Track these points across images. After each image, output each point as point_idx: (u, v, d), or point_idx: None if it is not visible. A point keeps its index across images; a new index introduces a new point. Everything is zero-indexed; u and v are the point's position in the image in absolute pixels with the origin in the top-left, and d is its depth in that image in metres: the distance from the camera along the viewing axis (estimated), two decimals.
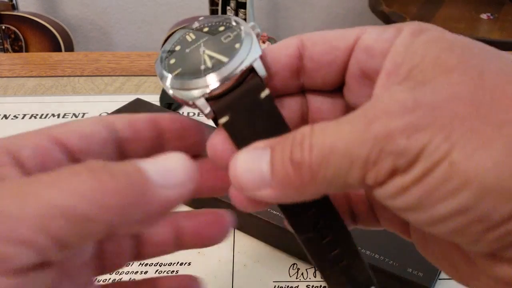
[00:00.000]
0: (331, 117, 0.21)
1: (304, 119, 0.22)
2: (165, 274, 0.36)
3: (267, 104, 0.20)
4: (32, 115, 0.56)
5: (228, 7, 0.65)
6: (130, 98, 0.53)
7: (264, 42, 0.63)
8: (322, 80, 0.21)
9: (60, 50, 1.29)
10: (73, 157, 0.19)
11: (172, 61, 0.21)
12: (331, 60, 0.20)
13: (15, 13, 1.29)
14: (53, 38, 1.29)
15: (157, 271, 0.36)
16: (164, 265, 0.37)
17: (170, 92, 0.21)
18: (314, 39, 0.20)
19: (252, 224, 0.37)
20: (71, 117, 0.56)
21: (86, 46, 1.65)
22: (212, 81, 0.20)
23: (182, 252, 0.38)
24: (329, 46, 0.20)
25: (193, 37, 0.22)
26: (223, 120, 0.20)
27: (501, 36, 1.16)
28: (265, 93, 0.20)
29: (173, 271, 0.36)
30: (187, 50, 0.21)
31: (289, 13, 1.62)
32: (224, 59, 0.20)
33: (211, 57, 0.21)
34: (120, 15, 1.64)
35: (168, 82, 0.21)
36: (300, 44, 0.20)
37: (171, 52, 0.22)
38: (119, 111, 0.51)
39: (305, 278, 0.36)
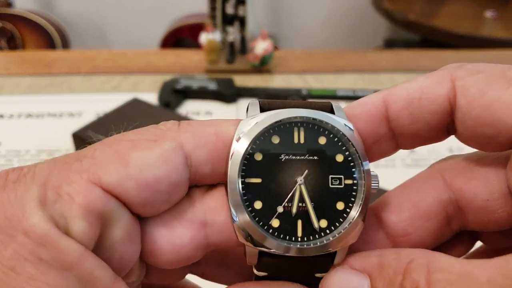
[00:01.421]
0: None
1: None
2: None
3: (315, 284, 0.17)
4: (28, 114, 0.55)
5: (227, 3, 0.64)
6: (127, 97, 0.53)
7: (264, 40, 0.62)
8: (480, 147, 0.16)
9: (56, 48, 1.28)
10: (133, 209, 0.16)
11: (258, 157, 0.16)
12: (491, 136, 0.15)
13: (11, 10, 1.28)
14: (49, 36, 1.28)
15: None
16: None
17: (230, 201, 0.16)
18: (472, 98, 0.15)
19: None
20: (68, 116, 0.55)
21: (83, 43, 1.64)
22: (281, 248, 0.16)
23: None
24: (493, 118, 0.14)
25: (302, 141, 0.17)
26: (260, 274, 0.17)
27: (505, 35, 1.15)
28: (322, 275, 0.17)
29: None
30: (283, 158, 0.16)
31: (290, 9, 1.61)
32: (314, 222, 0.16)
33: (301, 204, 0.16)
34: (117, 11, 1.63)
35: (233, 186, 0.16)
36: (451, 96, 0.15)
37: (266, 137, 0.16)
38: (116, 111, 0.50)
39: None
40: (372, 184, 0.17)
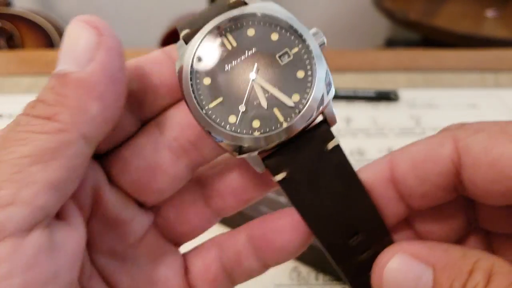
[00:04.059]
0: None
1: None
2: None
3: (335, 157, 0.17)
4: None
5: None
6: None
7: None
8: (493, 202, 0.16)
9: (55, 47, 1.28)
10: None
11: (207, 81, 0.17)
12: (501, 192, 0.15)
13: (10, 10, 1.27)
14: (49, 35, 1.28)
15: None
16: None
17: (206, 128, 0.16)
18: (476, 158, 0.15)
19: None
20: None
21: None
22: (272, 138, 0.16)
23: None
24: (500, 175, 0.15)
25: (234, 44, 0.17)
26: (279, 177, 0.17)
27: (506, 34, 1.14)
28: (333, 143, 0.17)
29: None
30: (228, 68, 0.17)
31: (290, 8, 1.60)
32: (288, 101, 0.16)
33: (267, 94, 0.16)
34: (116, 11, 1.63)
35: (201, 117, 0.16)
36: (455, 157, 0.16)
37: (202, 61, 0.17)
38: None
39: (306, 281, 0.35)
40: (319, 41, 0.17)
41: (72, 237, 0.15)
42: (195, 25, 0.17)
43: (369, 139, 0.49)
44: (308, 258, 0.35)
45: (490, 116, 0.53)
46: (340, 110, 0.53)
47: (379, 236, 0.17)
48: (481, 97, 0.56)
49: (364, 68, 0.64)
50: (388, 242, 0.17)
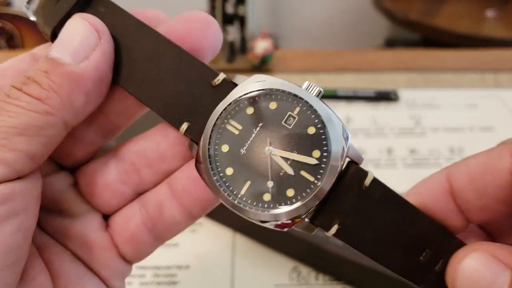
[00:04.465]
0: None
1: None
2: (163, 277, 0.36)
3: (377, 190, 0.17)
4: None
5: (227, 2, 0.63)
6: None
7: (265, 39, 0.61)
8: None
9: None
10: None
11: (229, 171, 0.17)
12: None
13: (10, 10, 1.27)
14: None
15: (155, 274, 0.36)
16: (161, 268, 0.36)
17: (246, 217, 0.17)
18: None
19: (253, 226, 0.37)
20: None
21: None
22: (314, 199, 0.16)
23: (180, 255, 0.37)
24: None
25: (240, 127, 0.17)
26: (332, 231, 0.17)
27: (506, 34, 1.14)
28: (369, 178, 0.17)
29: (171, 274, 0.36)
30: (243, 151, 0.17)
31: (290, 8, 1.61)
32: (310, 160, 0.16)
33: (289, 161, 0.16)
34: None
35: (236, 207, 0.17)
36: None
37: (218, 154, 0.17)
38: None
39: (306, 281, 0.35)
40: (314, 92, 0.17)
41: (37, 181, 0.18)
42: (189, 114, 0.18)
43: (369, 139, 0.49)
44: (308, 258, 0.35)
45: (490, 116, 0.53)
46: (340, 110, 0.53)
47: (447, 243, 0.17)
48: (481, 97, 0.56)
49: (364, 68, 0.64)
50: (459, 244, 0.17)
